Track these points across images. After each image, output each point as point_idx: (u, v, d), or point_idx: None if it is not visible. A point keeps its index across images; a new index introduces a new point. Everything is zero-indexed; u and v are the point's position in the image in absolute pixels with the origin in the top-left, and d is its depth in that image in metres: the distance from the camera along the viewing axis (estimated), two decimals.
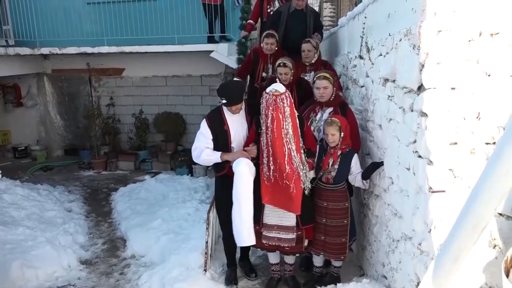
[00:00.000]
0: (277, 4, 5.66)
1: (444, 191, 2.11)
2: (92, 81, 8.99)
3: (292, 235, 3.45)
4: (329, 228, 3.49)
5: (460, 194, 1.93)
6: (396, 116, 2.85)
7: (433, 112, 2.24)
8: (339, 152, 3.43)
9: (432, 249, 2.25)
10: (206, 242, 3.90)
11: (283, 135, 3.21)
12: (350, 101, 4.35)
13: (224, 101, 3.48)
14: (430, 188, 2.25)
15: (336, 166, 3.42)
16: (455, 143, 2.01)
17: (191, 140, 9.01)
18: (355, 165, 3.48)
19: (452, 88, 2.06)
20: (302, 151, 3.30)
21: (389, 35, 3.05)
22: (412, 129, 2.52)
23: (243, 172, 3.32)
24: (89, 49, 8.08)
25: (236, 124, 3.57)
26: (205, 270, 3.89)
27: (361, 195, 3.92)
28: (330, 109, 3.64)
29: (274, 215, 3.45)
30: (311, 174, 3.45)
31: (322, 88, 3.56)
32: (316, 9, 10.80)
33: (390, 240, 3.05)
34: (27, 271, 4.22)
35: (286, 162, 3.22)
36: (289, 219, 3.43)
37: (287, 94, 3.26)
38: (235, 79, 5.08)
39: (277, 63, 4.16)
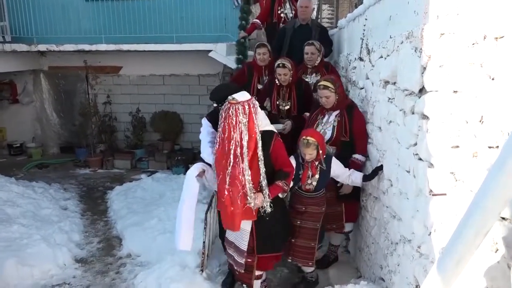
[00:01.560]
0: (287, 6, 5.61)
1: (445, 194, 2.10)
2: (89, 78, 8.96)
3: (241, 260, 3.25)
4: (302, 230, 3.48)
5: (461, 197, 1.93)
6: (396, 119, 2.85)
7: (434, 115, 2.24)
8: (316, 163, 3.41)
9: (432, 252, 2.25)
10: (204, 242, 3.88)
11: (231, 147, 2.90)
12: None
13: (214, 105, 3.46)
14: (431, 191, 2.24)
15: (316, 176, 3.41)
16: (457, 146, 2.01)
17: (188, 139, 9.09)
18: (338, 168, 3.47)
19: (454, 91, 2.06)
20: (263, 171, 2.99)
21: (390, 37, 3.05)
22: (412, 131, 2.52)
23: (189, 177, 3.25)
24: (86, 47, 8.03)
25: None
26: (202, 270, 3.88)
27: (360, 197, 3.92)
28: (336, 112, 3.65)
29: (232, 232, 3.24)
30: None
31: (324, 98, 3.61)
32: (314, 11, 10.78)
33: (388, 242, 3.05)
34: (22, 269, 4.18)
35: (228, 176, 2.93)
36: (242, 241, 3.21)
37: (246, 104, 2.92)
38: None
39: (276, 64, 4.16)
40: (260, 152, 2.95)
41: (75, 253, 4.79)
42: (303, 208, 3.48)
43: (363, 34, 3.88)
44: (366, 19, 3.83)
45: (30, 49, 8.11)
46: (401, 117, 2.75)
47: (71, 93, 9.38)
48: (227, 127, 2.91)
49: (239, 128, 2.88)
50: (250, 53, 6.52)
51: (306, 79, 4.38)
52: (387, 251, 3.06)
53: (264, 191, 3.01)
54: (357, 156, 3.62)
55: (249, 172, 2.92)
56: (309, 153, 3.31)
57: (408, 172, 2.63)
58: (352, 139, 3.62)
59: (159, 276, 3.93)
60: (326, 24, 10.05)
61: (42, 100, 9.50)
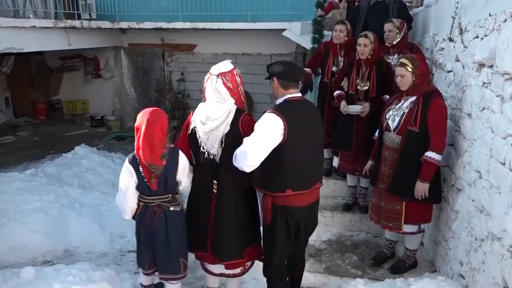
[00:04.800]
0: None
1: None
2: (165, 56, 9.26)
3: None
4: None
5: None
6: (491, 105, 2.60)
7: None
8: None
9: None
10: None
11: None
12: None
13: None
14: None
15: None
16: None
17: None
18: None
19: None
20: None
21: (490, 15, 2.76)
22: None
23: None
24: (164, 24, 8.29)
25: None
26: None
27: (438, 197, 3.57)
28: (413, 98, 3.30)
29: None
30: None
31: (399, 76, 3.27)
32: None
33: (472, 238, 2.83)
34: (103, 234, 4.48)
35: None
36: None
37: (220, 77, 2.82)
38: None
39: (359, 35, 3.98)
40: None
41: None
42: None
43: (455, 12, 3.56)
44: None
45: (113, 26, 8.52)
46: (498, 103, 2.50)
47: (147, 69, 9.78)
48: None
49: None
50: (326, 32, 6.33)
51: (388, 60, 4.14)
52: (470, 247, 2.85)
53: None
54: (430, 154, 3.13)
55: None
56: None
57: (503, 164, 2.40)
58: (425, 132, 3.19)
59: None
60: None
61: (121, 76, 10.02)
